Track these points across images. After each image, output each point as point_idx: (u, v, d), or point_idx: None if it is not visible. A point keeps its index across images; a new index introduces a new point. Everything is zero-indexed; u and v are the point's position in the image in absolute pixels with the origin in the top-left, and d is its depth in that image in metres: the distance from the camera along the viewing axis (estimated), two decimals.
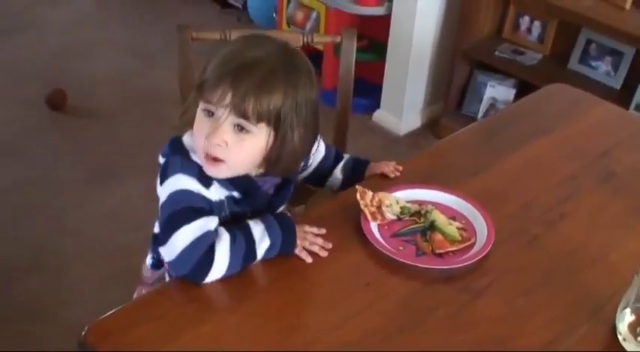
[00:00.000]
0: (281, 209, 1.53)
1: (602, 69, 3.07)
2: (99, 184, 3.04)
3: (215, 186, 1.38)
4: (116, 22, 4.39)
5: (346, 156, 1.72)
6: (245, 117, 1.30)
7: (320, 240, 1.41)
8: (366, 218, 1.47)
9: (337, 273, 1.39)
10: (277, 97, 1.31)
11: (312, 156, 1.62)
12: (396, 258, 1.40)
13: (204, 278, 1.31)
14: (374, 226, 1.47)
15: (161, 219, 1.36)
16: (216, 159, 1.33)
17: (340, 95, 2.06)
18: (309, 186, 1.79)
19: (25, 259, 2.65)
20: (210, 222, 1.33)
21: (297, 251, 1.39)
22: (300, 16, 3.60)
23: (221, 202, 1.40)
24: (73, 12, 4.45)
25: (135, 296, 1.66)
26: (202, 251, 1.30)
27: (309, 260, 1.38)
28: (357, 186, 1.51)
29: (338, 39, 2.01)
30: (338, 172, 1.69)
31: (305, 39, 1.99)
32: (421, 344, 1.26)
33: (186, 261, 1.31)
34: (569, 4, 2.88)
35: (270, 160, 1.37)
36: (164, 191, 1.36)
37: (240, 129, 1.32)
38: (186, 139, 1.41)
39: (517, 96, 3.17)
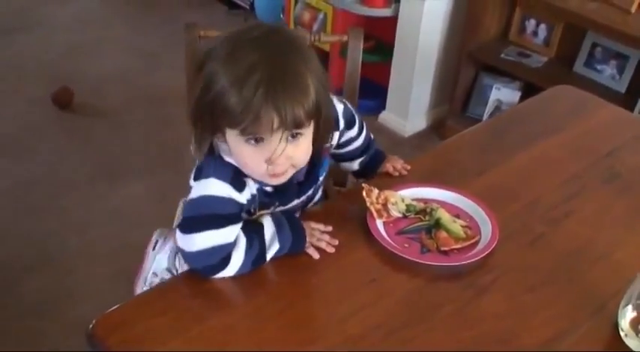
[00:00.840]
0: (312, 190, 1.53)
1: (607, 72, 3.08)
2: (104, 182, 3.06)
3: (248, 186, 1.37)
4: (122, 21, 4.41)
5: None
6: (299, 126, 1.25)
7: (327, 237, 1.42)
8: (371, 215, 1.47)
9: (343, 270, 1.40)
10: (311, 89, 1.25)
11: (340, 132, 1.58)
12: (401, 254, 1.41)
13: (215, 275, 1.33)
14: (379, 223, 1.48)
15: (186, 213, 1.36)
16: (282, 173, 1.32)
17: (346, 94, 2.06)
18: None
19: (31, 257, 2.66)
20: (233, 232, 1.33)
21: (314, 252, 1.40)
22: (307, 16, 3.61)
23: (252, 197, 1.39)
24: (79, 11, 4.47)
25: (136, 286, 1.68)
26: (219, 258, 1.31)
27: (316, 256, 1.40)
28: (363, 184, 1.52)
29: (345, 38, 2.02)
30: (357, 164, 1.71)
31: (312, 38, 2.00)
32: (425, 339, 1.26)
33: (200, 261, 1.32)
34: (575, 7, 2.88)
35: (317, 140, 1.36)
36: (196, 190, 1.35)
37: (294, 135, 1.28)
38: (215, 141, 1.35)
39: (522, 99, 3.18)
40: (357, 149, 1.69)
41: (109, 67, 3.91)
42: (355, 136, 1.66)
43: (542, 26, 3.24)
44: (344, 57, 2.05)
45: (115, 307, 1.28)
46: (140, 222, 2.72)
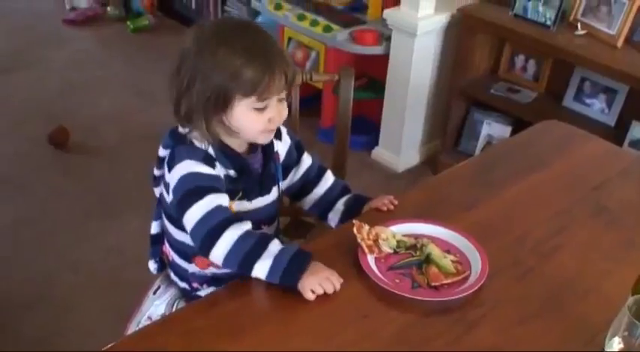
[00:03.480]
0: (274, 192, 1.65)
1: (596, 106, 3.12)
2: (100, 220, 3.07)
3: (217, 165, 1.51)
4: (118, 60, 4.46)
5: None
6: (290, 87, 1.52)
7: (337, 285, 1.43)
8: (363, 251, 1.50)
9: (335, 306, 1.41)
10: (290, 59, 1.52)
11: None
12: (392, 290, 1.43)
13: (208, 254, 1.44)
14: (371, 259, 1.50)
15: (174, 201, 1.51)
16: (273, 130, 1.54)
17: (338, 131, 2.10)
18: (309, 221, 1.84)
19: (29, 295, 2.67)
20: (219, 198, 1.46)
21: (307, 292, 1.40)
22: (300, 55, 3.65)
23: (223, 179, 1.53)
24: (76, 51, 4.53)
25: (128, 327, 1.70)
26: (212, 224, 1.43)
27: (310, 297, 1.40)
28: (354, 221, 1.55)
29: (336, 77, 2.06)
30: (340, 204, 1.74)
31: (304, 77, 2.03)
32: None
33: (197, 234, 1.46)
34: (563, 43, 2.93)
35: None
36: (173, 177, 1.50)
37: (281, 99, 1.52)
38: (182, 130, 1.54)
39: (513, 134, 3.21)
40: (332, 189, 1.75)
41: (105, 106, 3.95)
42: (315, 167, 1.76)
43: (531, 62, 3.29)
44: (337, 94, 2.08)
45: (109, 346, 1.30)
46: (137, 258, 2.71)
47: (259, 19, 3.99)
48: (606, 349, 1.23)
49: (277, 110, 1.51)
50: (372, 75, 3.60)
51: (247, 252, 1.41)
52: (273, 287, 1.41)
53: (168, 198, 1.54)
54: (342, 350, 1.31)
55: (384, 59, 3.38)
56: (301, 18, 3.53)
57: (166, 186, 1.54)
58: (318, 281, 1.40)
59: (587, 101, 3.13)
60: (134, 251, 2.86)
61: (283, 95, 1.52)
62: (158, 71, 4.23)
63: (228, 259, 1.43)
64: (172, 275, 1.71)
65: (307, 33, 3.55)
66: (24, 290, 2.69)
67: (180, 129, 1.54)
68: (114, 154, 3.54)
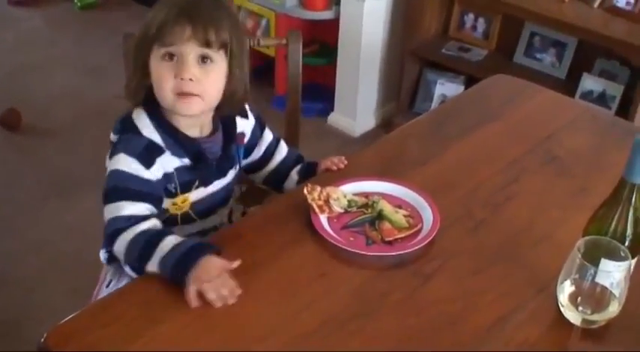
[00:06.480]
0: (230, 174, 1.60)
1: (547, 60, 3.15)
2: (59, 200, 3.04)
3: (161, 160, 1.46)
4: (67, 39, 4.38)
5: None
6: (209, 45, 1.41)
7: (231, 283, 1.32)
8: (314, 212, 1.50)
9: (291, 267, 1.42)
10: (227, 25, 1.43)
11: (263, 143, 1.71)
12: (347, 248, 1.44)
13: (111, 246, 1.44)
14: (324, 220, 1.50)
15: (104, 187, 1.46)
16: (189, 95, 1.42)
17: (289, 96, 2.09)
18: (266, 188, 1.83)
19: None
20: (126, 207, 1.41)
21: (204, 290, 1.30)
22: (250, 23, 3.62)
23: (168, 176, 1.48)
24: (23, 32, 4.43)
25: (93, 297, 1.69)
26: (109, 231, 1.41)
27: (217, 305, 1.30)
28: (305, 183, 1.55)
29: (284, 41, 2.04)
30: (294, 174, 1.73)
31: (252, 42, 2.02)
32: (377, 328, 1.30)
33: (108, 227, 1.43)
34: None
35: (227, 93, 1.49)
36: (108, 167, 1.47)
37: (204, 60, 1.42)
38: (135, 116, 1.49)
39: None
40: (286, 159, 1.74)
41: (56, 86, 3.88)
42: (274, 141, 1.73)
43: (481, 20, 3.30)
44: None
45: (66, 319, 1.29)
46: (96, 236, 2.69)
47: None
48: (558, 293, 1.25)
49: (187, 66, 1.40)
50: (324, 41, 3.58)
51: (138, 255, 1.37)
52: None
53: None
54: (300, 310, 1.32)
55: (334, 24, 3.36)
56: None
57: None
58: (212, 287, 1.30)
59: (538, 56, 3.16)
60: (94, 229, 2.81)
61: (206, 53, 1.41)
62: (108, 47, 4.19)
63: (128, 263, 1.44)
64: (127, 269, 1.63)
65: (256, 0, 3.52)
66: None
67: (134, 115, 1.49)
68: (67, 134, 3.49)
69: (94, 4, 4.70)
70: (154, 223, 1.42)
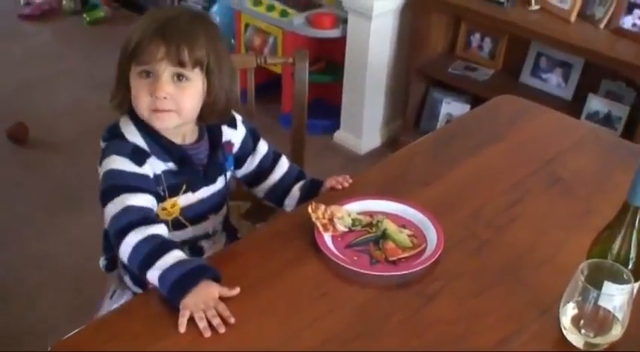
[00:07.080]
0: (219, 181, 1.62)
1: (553, 81, 3.15)
2: (62, 214, 3.05)
3: (150, 162, 1.48)
4: (76, 54, 4.41)
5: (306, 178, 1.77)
6: (182, 65, 1.43)
7: (226, 312, 1.31)
8: (318, 230, 1.50)
9: (294, 285, 1.42)
10: (203, 42, 1.45)
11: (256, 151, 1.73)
12: (350, 267, 1.44)
13: (117, 246, 1.41)
14: (328, 238, 1.51)
15: (99, 190, 1.47)
16: (164, 111, 1.45)
17: (295, 114, 2.09)
18: (270, 205, 1.84)
19: None
20: (132, 198, 1.42)
21: (196, 317, 1.29)
22: (257, 41, 3.64)
23: (157, 178, 1.50)
24: (32, 46, 4.47)
25: (97, 308, 1.70)
26: (118, 227, 1.40)
27: (206, 334, 1.28)
28: (310, 202, 1.55)
29: (290, 60, 2.05)
30: (296, 190, 1.74)
31: (259, 60, 2.03)
32: (378, 348, 1.29)
33: (110, 234, 1.43)
34: (517, 19, 2.95)
35: (208, 105, 1.52)
36: (100, 171, 1.49)
37: (179, 78, 1.45)
38: (122, 124, 1.52)
39: None
40: (287, 174, 1.74)
41: (63, 100, 3.90)
42: (271, 154, 1.74)
43: (487, 40, 3.31)
44: None
45: (70, 334, 1.30)
46: (99, 251, 2.71)
47: (215, 8, 3.97)
48: (560, 315, 1.25)
49: (161, 85, 1.42)
50: (330, 58, 3.59)
51: (140, 263, 1.37)
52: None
53: None
54: (302, 328, 1.32)
55: (341, 42, 3.38)
56: (257, 3, 3.52)
57: None
58: (204, 316, 1.29)
59: (544, 76, 3.17)
60: (96, 244, 2.83)
61: (180, 71, 1.43)
62: (115, 63, 4.20)
63: (130, 263, 1.40)
64: (127, 280, 1.67)
65: (264, 18, 3.53)
66: None
67: (121, 123, 1.53)
68: (73, 148, 3.50)
69: (102, 19, 4.74)
70: (164, 230, 1.43)
